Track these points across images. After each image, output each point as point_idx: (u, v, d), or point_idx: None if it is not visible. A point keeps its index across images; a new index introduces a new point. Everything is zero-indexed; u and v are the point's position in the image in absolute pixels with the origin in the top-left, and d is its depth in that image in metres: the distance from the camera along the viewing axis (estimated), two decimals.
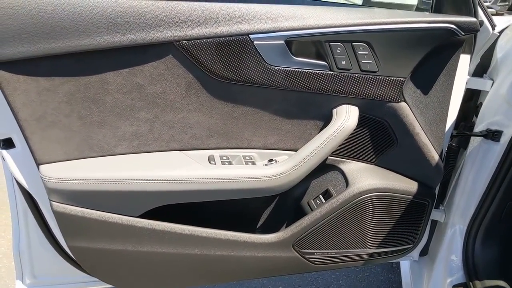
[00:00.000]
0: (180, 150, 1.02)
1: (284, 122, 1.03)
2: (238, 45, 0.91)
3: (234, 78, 0.95)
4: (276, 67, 0.94)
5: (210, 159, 1.00)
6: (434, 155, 1.07)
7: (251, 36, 0.91)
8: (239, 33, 0.91)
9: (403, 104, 1.00)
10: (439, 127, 1.06)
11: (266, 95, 0.99)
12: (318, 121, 1.03)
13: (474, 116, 1.26)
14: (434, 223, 1.32)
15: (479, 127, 1.16)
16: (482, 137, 1.13)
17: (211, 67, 0.93)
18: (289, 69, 0.95)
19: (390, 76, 0.97)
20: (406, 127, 1.02)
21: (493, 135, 1.10)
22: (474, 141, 1.19)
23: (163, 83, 0.94)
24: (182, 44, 0.90)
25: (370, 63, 0.95)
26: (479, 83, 1.16)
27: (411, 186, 1.10)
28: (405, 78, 0.98)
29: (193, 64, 0.93)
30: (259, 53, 0.92)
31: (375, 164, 1.11)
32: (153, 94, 0.95)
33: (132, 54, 0.90)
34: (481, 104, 1.22)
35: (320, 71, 0.96)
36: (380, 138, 1.07)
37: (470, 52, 1.07)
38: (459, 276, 1.18)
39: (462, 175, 1.22)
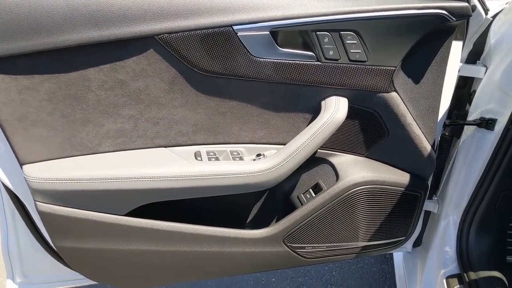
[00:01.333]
0: (165, 147, 0.99)
1: (272, 116, 1.00)
2: (221, 37, 0.88)
3: (219, 72, 0.92)
4: (262, 59, 0.91)
5: (197, 155, 0.97)
6: (426, 146, 1.04)
7: (235, 27, 0.87)
8: (222, 25, 0.87)
9: (394, 94, 0.98)
10: (432, 117, 1.03)
11: (253, 88, 0.96)
12: (307, 113, 1.01)
13: (468, 104, 1.23)
14: (427, 214, 1.30)
15: (472, 115, 1.14)
16: (475, 126, 1.10)
17: (194, 61, 0.90)
18: (275, 60, 0.91)
19: (379, 66, 0.94)
20: (397, 118, 1.00)
21: (487, 123, 1.07)
22: (468, 130, 1.17)
23: (146, 79, 0.91)
24: (163, 38, 0.86)
25: (359, 52, 0.92)
26: (472, 70, 1.13)
27: (403, 178, 1.08)
28: (396, 67, 0.95)
29: (175, 58, 0.89)
30: (243, 45, 0.89)
31: (365, 156, 1.08)
32: (136, 90, 0.92)
33: (112, 49, 0.87)
34: (474, 91, 1.19)
35: (308, 62, 0.93)
36: (371, 130, 1.04)
37: (463, 38, 1.04)
38: (453, 267, 1.17)
39: (456, 165, 1.20)
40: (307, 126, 1.00)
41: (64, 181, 0.91)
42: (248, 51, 0.90)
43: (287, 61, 0.92)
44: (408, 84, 0.99)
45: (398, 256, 1.51)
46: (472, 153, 1.14)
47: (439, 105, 1.03)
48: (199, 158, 0.96)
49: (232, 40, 0.88)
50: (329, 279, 1.72)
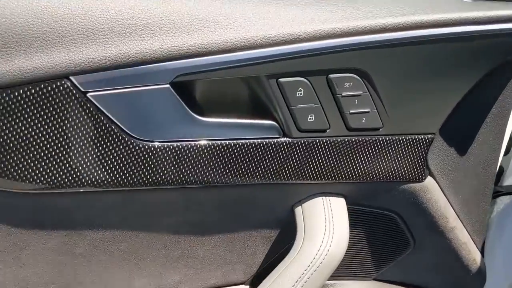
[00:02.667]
0: None
1: (199, 244, 0.50)
2: (48, 105, 0.36)
3: (57, 183, 0.39)
4: (158, 143, 0.40)
5: None
6: (475, 257, 0.61)
7: (76, 79, 0.36)
8: (49, 75, 0.35)
9: (429, 181, 0.52)
10: (482, 205, 0.60)
11: (148, 202, 0.45)
12: (268, 230, 0.52)
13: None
14: None
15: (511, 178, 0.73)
16: None
17: None
18: (190, 143, 0.41)
19: (405, 135, 0.48)
20: (433, 221, 0.54)
21: None
22: (505, 197, 0.77)
23: None
24: None
25: (367, 113, 0.45)
26: None
27: None
28: (433, 134, 0.49)
29: None
30: (108, 118, 0.38)
31: (375, 279, 0.63)
32: None
33: None
34: None
35: (265, 140, 0.44)
36: (385, 242, 0.58)
37: None
38: None
39: (488, 245, 0.80)
40: (276, 260, 0.51)
41: None
42: (123, 130, 0.39)
43: (217, 142, 0.42)
44: (450, 158, 0.53)
45: None
46: None
47: (492, 183, 0.60)
48: None
49: (78, 108, 0.37)
50: None
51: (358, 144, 0.46)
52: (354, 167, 0.46)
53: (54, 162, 0.38)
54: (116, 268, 0.46)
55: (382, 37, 0.41)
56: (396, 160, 0.47)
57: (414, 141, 0.47)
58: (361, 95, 0.43)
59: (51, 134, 0.37)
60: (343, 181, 0.47)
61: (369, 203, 0.52)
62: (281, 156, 0.44)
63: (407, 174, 0.49)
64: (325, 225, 0.46)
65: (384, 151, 0.47)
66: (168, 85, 0.38)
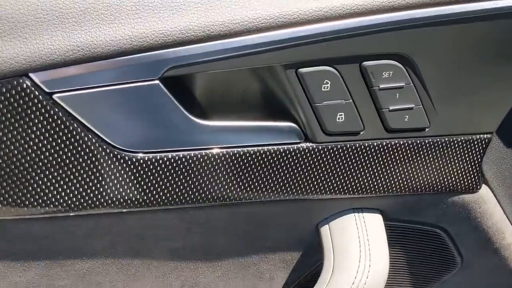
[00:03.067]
0: None
1: (205, 271, 0.42)
2: (5, 110, 0.27)
3: (18, 209, 0.31)
4: (144, 155, 0.32)
5: None
6: None
7: (37, 76, 0.28)
8: (2, 73, 0.27)
9: (483, 192, 0.43)
10: None
11: (137, 226, 0.37)
12: (288, 252, 0.44)
13: None
14: None
15: None
16: None
17: None
18: (186, 153, 0.33)
19: (457, 135, 0.39)
20: (487, 238, 0.45)
21: None
22: None
23: None
24: None
25: (410, 110, 0.36)
26: None
27: None
28: (491, 134, 0.40)
29: None
30: (81, 124, 0.29)
31: None
32: None
33: None
34: None
35: (282, 147, 0.35)
36: (427, 262, 0.49)
37: None
38: None
39: None
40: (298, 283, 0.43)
41: None
42: (103, 140, 0.31)
43: (223, 150, 0.34)
44: (507, 161, 0.44)
45: None
46: None
47: None
48: None
49: (41, 114, 0.28)
50: None
51: (399, 148, 0.37)
52: (394, 177, 0.38)
53: (18, 183, 0.30)
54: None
55: (431, 12, 0.32)
56: (446, 167, 0.39)
57: (468, 143, 0.38)
58: (404, 88, 0.34)
59: (12, 148, 0.29)
60: (380, 194, 0.38)
61: (410, 219, 0.43)
62: (303, 166, 0.36)
63: (458, 184, 0.40)
64: (359, 249, 0.38)
65: (430, 156, 0.38)
66: (157, 81, 0.30)
